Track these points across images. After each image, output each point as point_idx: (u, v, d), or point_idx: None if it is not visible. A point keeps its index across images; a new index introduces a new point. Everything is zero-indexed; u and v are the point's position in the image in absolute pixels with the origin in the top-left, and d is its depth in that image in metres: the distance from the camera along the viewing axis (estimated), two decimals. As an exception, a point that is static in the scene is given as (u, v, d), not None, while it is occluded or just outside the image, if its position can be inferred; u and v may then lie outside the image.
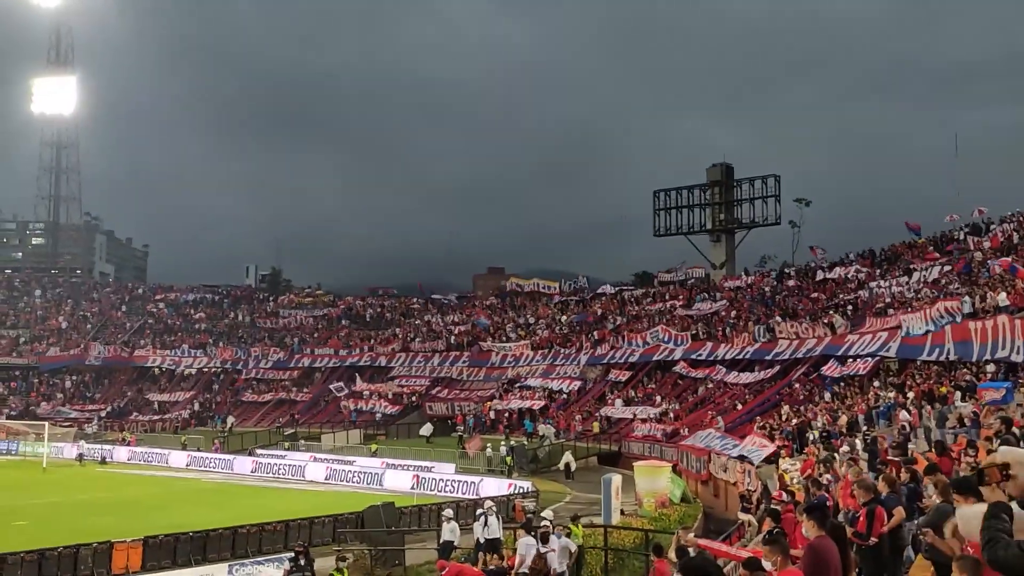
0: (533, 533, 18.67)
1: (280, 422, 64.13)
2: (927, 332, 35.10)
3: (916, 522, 10.14)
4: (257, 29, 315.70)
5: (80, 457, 50.46)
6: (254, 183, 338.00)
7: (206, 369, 75.19)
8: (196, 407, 70.24)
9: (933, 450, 16.11)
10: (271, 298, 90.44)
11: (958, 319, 33.51)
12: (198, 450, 52.50)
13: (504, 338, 67.24)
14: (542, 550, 17.44)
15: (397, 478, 40.29)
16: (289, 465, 45.99)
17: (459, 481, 38.80)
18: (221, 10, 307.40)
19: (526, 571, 16.94)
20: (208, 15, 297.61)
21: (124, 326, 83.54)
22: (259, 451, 51.82)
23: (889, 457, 16.93)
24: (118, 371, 76.86)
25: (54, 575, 20.86)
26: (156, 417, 68.65)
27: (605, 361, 58.41)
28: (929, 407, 25.36)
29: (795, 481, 20.73)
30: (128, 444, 55.70)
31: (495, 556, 18.64)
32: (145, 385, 74.80)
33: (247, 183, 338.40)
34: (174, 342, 78.52)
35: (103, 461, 50.89)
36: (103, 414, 69.54)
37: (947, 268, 42.22)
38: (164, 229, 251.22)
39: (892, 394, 30.49)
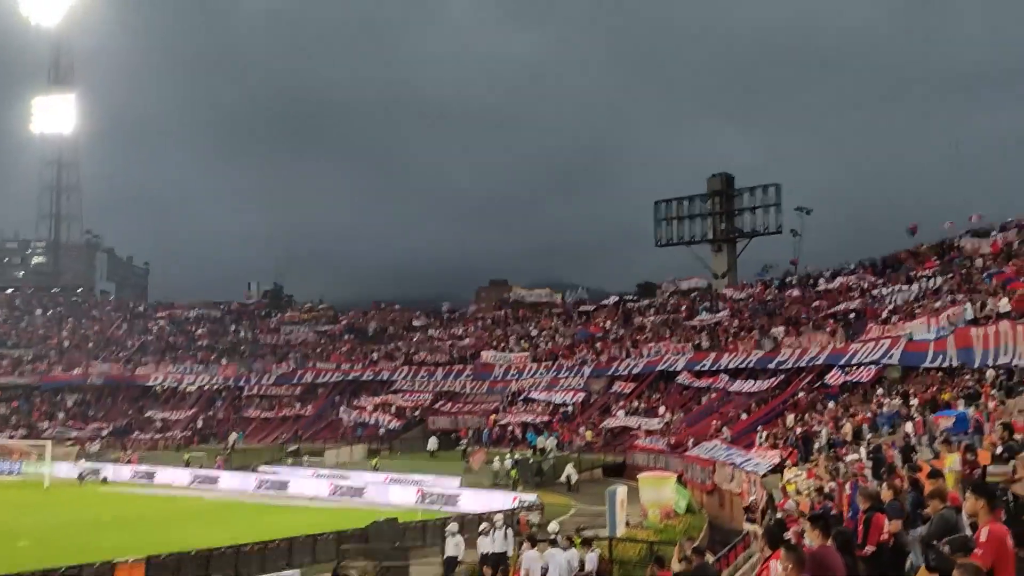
0: (538, 547, 18.59)
1: (283, 438, 64.04)
2: (929, 339, 35.02)
3: (919, 530, 10.07)
4: (261, 42, 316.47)
5: (81, 476, 50.29)
6: (256, 198, 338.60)
7: (208, 386, 75.10)
8: (199, 424, 70.15)
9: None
10: (273, 314, 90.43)
11: (960, 325, 33.43)
12: (201, 467, 52.36)
13: (507, 350, 67.14)
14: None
15: (401, 493, 40.18)
16: (292, 482, 45.85)
17: (463, 495, 38.68)
18: (224, 24, 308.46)
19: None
20: (211, 29, 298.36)
21: (126, 344, 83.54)
22: (262, 468, 51.68)
23: (899, 470, 16.84)
24: (120, 389, 76.74)
25: (56, 595, 20.70)
26: (158, 435, 68.56)
27: (609, 373, 58.30)
28: (933, 415, 25.26)
29: (804, 490, 20.62)
30: (130, 462, 55.59)
31: (499, 572, 18.55)
32: (147, 403, 74.70)
33: (249, 198, 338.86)
34: (176, 359, 78.49)
35: (105, 480, 50.74)
36: (105, 433, 69.44)
37: (948, 275, 42.16)
38: (166, 246, 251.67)
39: (897, 402, 30.40)
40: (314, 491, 43.51)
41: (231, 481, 47.83)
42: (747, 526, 21.76)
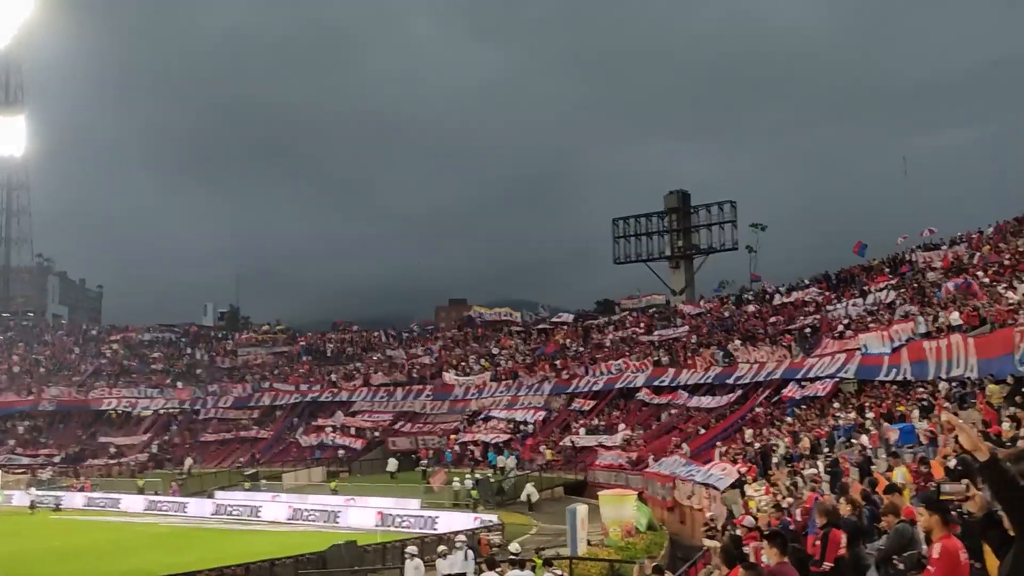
0: (498, 569, 18.47)
1: (241, 462, 63.16)
2: (883, 353, 35.46)
3: (877, 543, 10.11)
4: (218, 61, 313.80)
5: (32, 505, 49.15)
6: (212, 219, 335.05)
7: (163, 410, 73.89)
8: (154, 449, 68.95)
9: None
10: (230, 336, 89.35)
11: (915, 338, 33.88)
12: (156, 493, 51.44)
13: (467, 370, 66.94)
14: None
15: (361, 515, 39.74)
16: (250, 506, 45.20)
17: (424, 516, 38.37)
18: (181, 42, 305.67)
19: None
20: (167, 47, 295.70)
21: (78, 369, 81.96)
22: (219, 492, 50.87)
23: (855, 484, 16.96)
24: (72, 415, 75.19)
25: (4, 629, 20.18)
26: (112, 461, 67.22)
27: (569, 390, 58.32)
28: (888, 427, 25.52)
29: (762, 506, 20.68)
30: (83, 489, 54.45)
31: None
32: (100, 428, 73.27)
33: (205, 219, 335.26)
34: (130, 384, 77.13)
35: (57, 508, 49.65)
36: (57, 459, 67.99)
37: (902, 289, 42.78)
38: (120, 268, 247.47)
39: (852, 415, 30.69)
40: (272, 515, 42.93)
41: (187, 507, 47.07)
42: (707, 542, 21.75)
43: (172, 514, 46.21)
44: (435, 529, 35.37)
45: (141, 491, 52.67)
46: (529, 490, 43.29)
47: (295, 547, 29.77)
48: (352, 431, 64.03)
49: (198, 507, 46.61)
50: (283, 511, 43.06)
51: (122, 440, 70.91)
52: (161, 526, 42.35)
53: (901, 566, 6.56)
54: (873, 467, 20.85)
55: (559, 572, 17.56)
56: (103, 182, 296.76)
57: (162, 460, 66.64)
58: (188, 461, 62.64)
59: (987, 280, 34.61)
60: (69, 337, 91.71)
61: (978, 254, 40.29)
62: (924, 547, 7.95)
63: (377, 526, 36.00)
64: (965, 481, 5.29)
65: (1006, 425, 15.05)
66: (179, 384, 76.27)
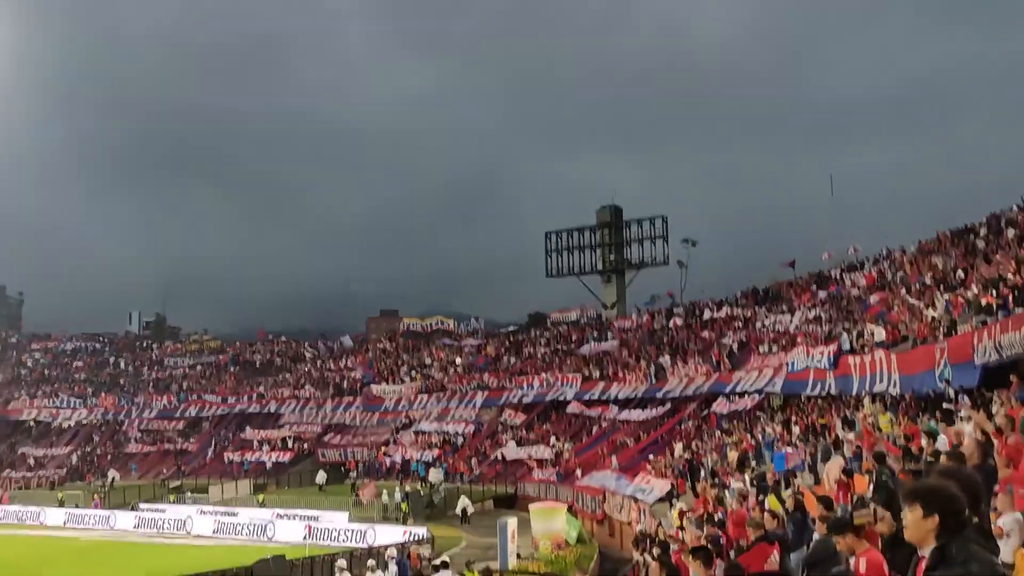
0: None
1: (165, 474, 61.82)
2: (810, 368, 36.20)
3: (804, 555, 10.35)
4: (144, 66, 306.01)
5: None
6: (139, 226, 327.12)
7: (86, 421, 71.96)
8: (75, 461, 67.07)
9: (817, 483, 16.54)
10: (156, 345, 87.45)
11: (839, 354, 34.65)
12: (76, 506, 50.02)
13: (398, 381, 66.53)
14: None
15: (289, 529, 39.20)
16: (174, 519, 44.24)
17: (353, 530, 38.01)
18: (105, 47, 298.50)
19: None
20: (91, 56, 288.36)
21: (-4, 377, 79.45)
22: (142, 505, 49.72)
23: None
24: (-11, 425, 72.85)
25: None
26: (31, 473, 65.24)
27: (500, 402, 58.36)
28: (812, 440, 26.08)
29: (691, 520, 20.94)
30: (0, 502, 52.71)
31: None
32: (19, 439, 71.07)
33: (132, 226, 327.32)
34: (51, 393, 74.94)
35: (-28, 522, 47.98)
36: (-29, 471, 65.75)
37: (827, 305, 43.78)
38: (42, 276, 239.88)
39: (779, 429, 31.30)
40: (198, 529, 42.09)
41: (109, 520, 45.89)
42: (636, 555, 21.96)
43: (93, 528, 44.99)
44: (364, 543, 35.10)
45: (61, 504, 51.22)
46: (464, 503, 43.12)
47: (221, 561, 29.25)
48: (280, 443, 63.13)
49: (120, 520, 45.48)
50: (209, 524, 42.25)
51: (42, 451, 68.92)
52: (82, 540, 41.20)
53: None
54: (798, 480, 21.31)
55: None
56: (25, 189, 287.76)
57: (84, 472, 64.86)
58: (111, 473, 61.06)
59: (909, 297, 35.57)
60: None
61: (900, 272, 41.42)
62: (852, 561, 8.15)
63: (305, 539, 35.53)
64: (873, 507, 5.49)
65: (924, 441, 15.49)
66: (103, 394, 74.34)
